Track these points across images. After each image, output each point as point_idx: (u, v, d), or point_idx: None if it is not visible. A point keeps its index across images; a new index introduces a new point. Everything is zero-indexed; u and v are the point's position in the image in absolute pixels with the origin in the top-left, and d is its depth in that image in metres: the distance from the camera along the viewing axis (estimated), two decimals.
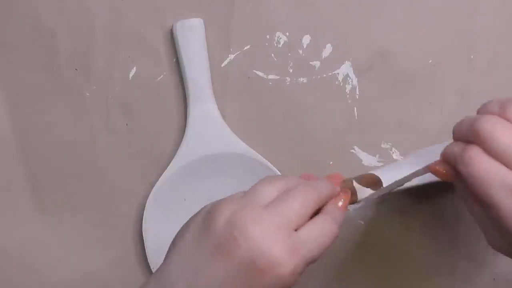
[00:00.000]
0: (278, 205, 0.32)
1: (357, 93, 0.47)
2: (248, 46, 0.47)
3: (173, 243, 0.34)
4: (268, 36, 0.47)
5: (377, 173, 0.39)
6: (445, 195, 0.47)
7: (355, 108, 0.47)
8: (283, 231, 0.31)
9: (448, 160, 0.33)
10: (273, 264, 0.30)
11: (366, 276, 0.46)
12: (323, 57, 0.47)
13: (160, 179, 0.45)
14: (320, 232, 0.33)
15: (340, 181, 0.37)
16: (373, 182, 0.38)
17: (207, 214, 0.33)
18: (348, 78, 0.47)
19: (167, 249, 0.45)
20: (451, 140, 0.34)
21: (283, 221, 0.31)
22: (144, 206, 0.45)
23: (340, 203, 0.36)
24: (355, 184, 0.37)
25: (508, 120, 0.30)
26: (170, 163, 0.45)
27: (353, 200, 0.37)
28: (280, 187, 0.34)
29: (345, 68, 0.47)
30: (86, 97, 0.47)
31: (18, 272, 0.46)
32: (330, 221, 0.34)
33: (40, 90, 0.48)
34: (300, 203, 0.32)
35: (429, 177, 0.37)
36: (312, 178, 0.36)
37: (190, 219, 0.34)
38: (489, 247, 0.46)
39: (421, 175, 0.37)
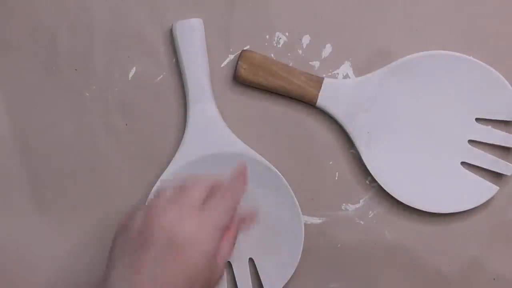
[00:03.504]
0: (210, 210, 0.37)
1: None
2: (248, 46, 0.47)
3: (110, 259, 0.37)
4: (267, 36, 0.47)
5: None
6: None
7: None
8: (214, 232, 0.37)
9: None
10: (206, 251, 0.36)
11: (366, 276, 0.46)
12: (323, 57, 0.47)
13: (159, 179, 0.45)
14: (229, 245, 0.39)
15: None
16: None
17: (144, 228, 0.36)
18: (348, 78, 0.47)
19: None
20: None
21: (215, 224, 0.37)
22: None
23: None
24: None
25: None
26: (170, 163, 0.45)
27: None
28: (206, 189, 0.39)
29: (345, 68, 0.47)
30: (86, 97, 0.47)
31: (18, 272, 0.46)
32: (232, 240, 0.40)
33: (40, 90, 0.48)
34: (224, 211, 0.38)
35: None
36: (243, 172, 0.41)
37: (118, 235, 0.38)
38: (490, 246, 0.46)
39: None
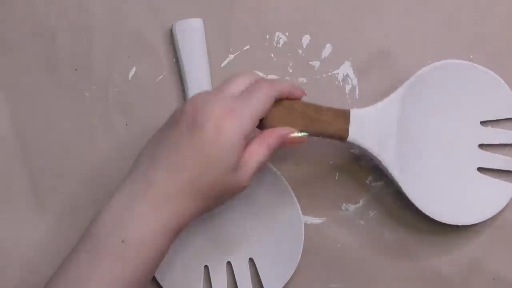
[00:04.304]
0: (244, 98, 0.37)
1: (357, 93, 0.47)
2: (248, 46, 0.47)
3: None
4: (267, 36, 0.47)
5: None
6: None
7: (354, 108, 0.47)
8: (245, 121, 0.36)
9: None
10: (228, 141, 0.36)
11: (366, 276, 0.46)
12: (323, 57, 0.47)
13: None
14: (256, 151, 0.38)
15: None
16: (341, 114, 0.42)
17: (195, 113, 0.36)
18: (348, 78, 0.47)
19: None
20: None
21: (249, 113, 0.37)
22: None
23: (283, 132, 0.40)
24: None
25: None
26: None
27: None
28: (248, 82, 0.39)
29: (345, 68, 0.47)
30: (86, 97, 0.47)
31: (18, 272, 0.46)
32: (261, 144, 0.38)
33: (40, 90, 0.48)
34: (261, 98, 0.38)
35: None
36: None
37: (172, 120, 0.38)
38: (490, 246, 0.46)
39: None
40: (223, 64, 0.47)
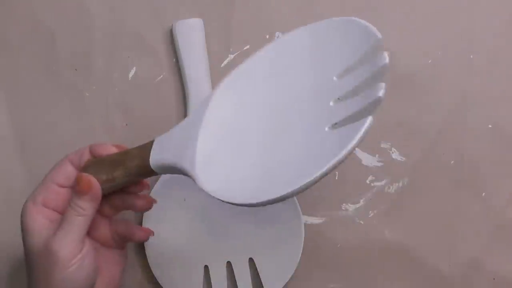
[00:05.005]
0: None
1: None
2: (248, 46, 0.47)
3: None
4: (267, 36, 0.47)
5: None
6: (445, 193, 0.47)
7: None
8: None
9: None
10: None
11: (366, 276, 0.46)
12: None
13: (159, 179, 0.45)
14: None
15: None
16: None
17: None
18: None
19: (167, 250, 0.45)
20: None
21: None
22: None
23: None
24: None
25: None
26: None
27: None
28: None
29: None
30: (86, 97, 0.47)
31: (19, 273, 0.46)
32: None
33: (40, 90, 0.48)
34: (55, 165, 0.39)
35: None
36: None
37: None
38: (490, 246, 0.46)
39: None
40: (223, 64, 0.47)
